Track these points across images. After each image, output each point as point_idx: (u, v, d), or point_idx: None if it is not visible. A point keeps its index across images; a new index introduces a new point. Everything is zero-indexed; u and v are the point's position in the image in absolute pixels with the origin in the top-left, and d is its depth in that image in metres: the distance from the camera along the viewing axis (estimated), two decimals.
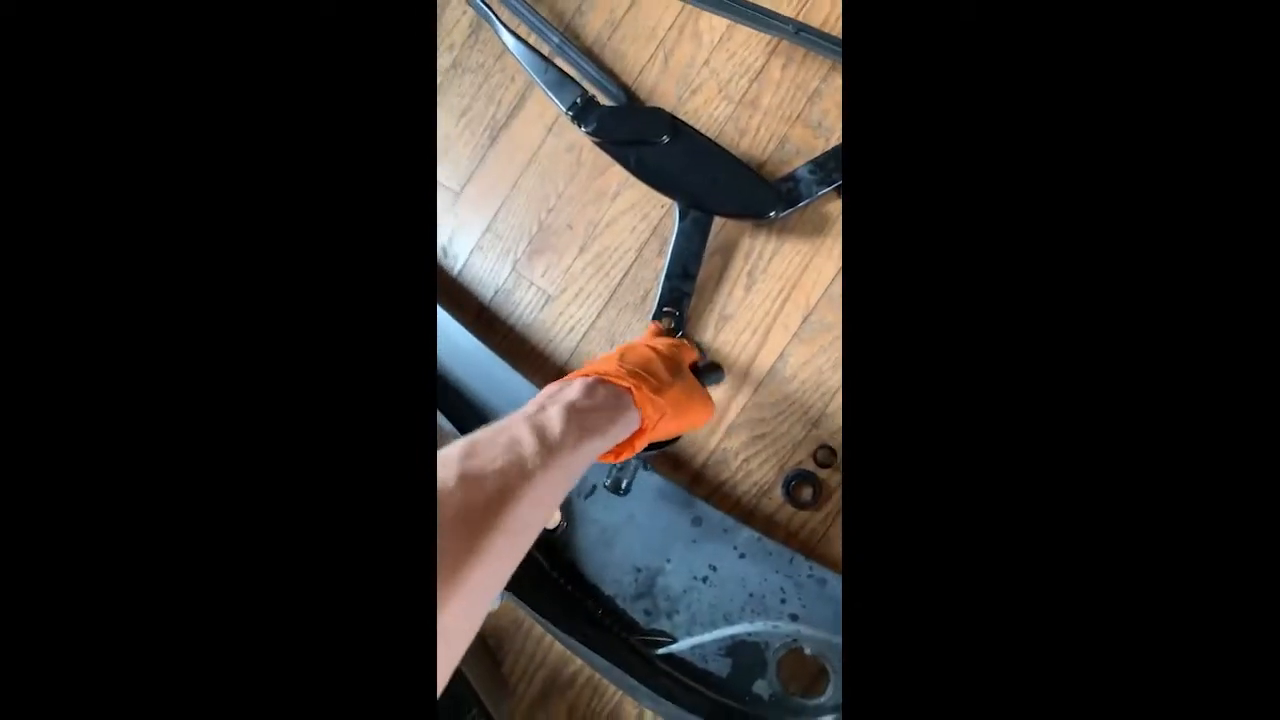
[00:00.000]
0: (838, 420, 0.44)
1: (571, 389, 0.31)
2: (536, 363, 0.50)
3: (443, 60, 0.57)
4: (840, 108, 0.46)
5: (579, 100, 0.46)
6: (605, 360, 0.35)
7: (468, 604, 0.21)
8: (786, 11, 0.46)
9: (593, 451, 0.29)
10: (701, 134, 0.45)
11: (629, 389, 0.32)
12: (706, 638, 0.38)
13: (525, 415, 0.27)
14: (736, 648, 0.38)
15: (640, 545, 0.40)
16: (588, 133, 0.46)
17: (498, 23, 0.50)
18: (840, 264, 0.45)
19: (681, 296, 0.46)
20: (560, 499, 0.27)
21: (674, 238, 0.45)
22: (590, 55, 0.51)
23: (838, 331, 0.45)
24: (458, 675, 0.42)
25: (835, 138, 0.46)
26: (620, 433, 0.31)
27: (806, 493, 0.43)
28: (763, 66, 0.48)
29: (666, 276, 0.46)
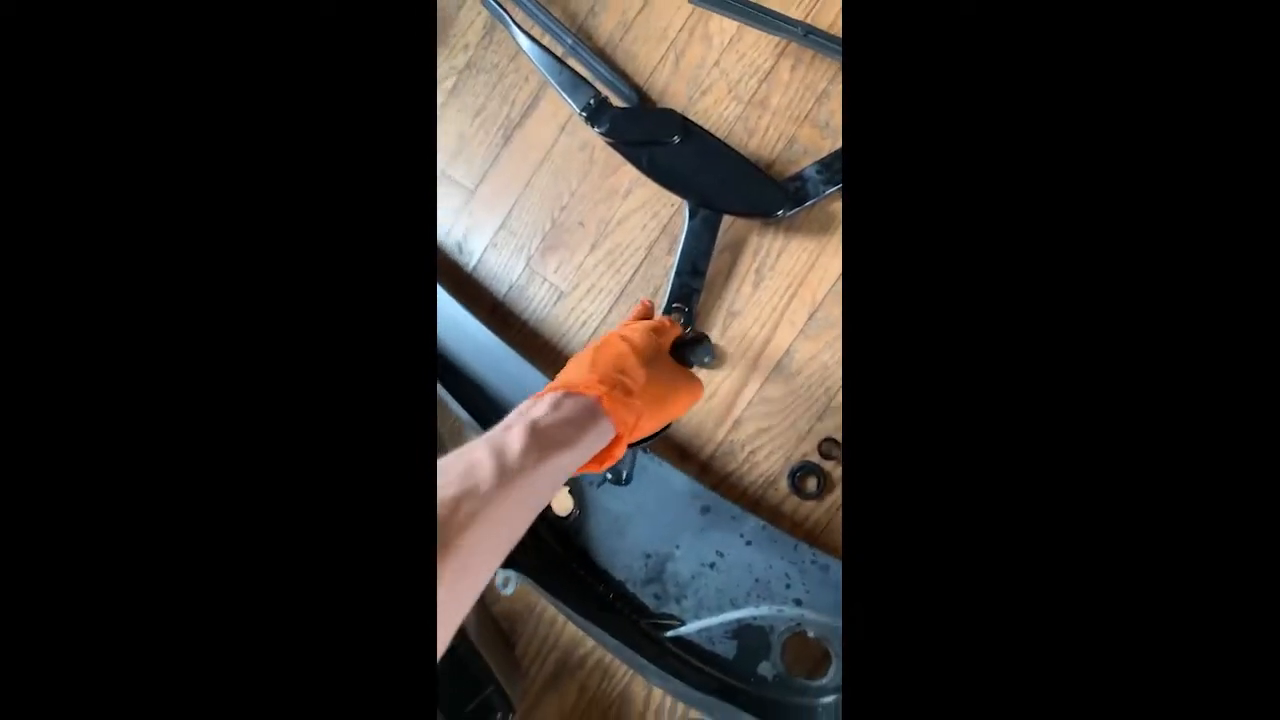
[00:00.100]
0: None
1: (538, 405, 0.30)
2: (550, 357, 0.52)
3: (457, 60, 0.58)
4: None
5: (592, 101, 0.47)
6: (576, 364, 0.35)
7: None
8: (795, 14, 0.47)
9: (561, 468, 0.28)
10: (711, 134, 0.46)
11: (598, 398, 0.31)
12: (713, 621, 0.40)
13: (488, 437, 0.28)
14: (742, 631, 0.40)
15: (650, 532, 0.42)
16: (601, 133, 0.47)
17: (512, 24, 0.51)
18: None
19: (691, 293, 0.47)
20: (529, 517, 0.27)
21: (684, 235, 0.47)
22: (603, 56, 0.52)
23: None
24: (475, 656, 0.44)
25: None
26: (594, 443, 0.30)
27: (811, 484, 0.45)
28: (772, 68, 0.49)
29: (676, 273, 0.47)
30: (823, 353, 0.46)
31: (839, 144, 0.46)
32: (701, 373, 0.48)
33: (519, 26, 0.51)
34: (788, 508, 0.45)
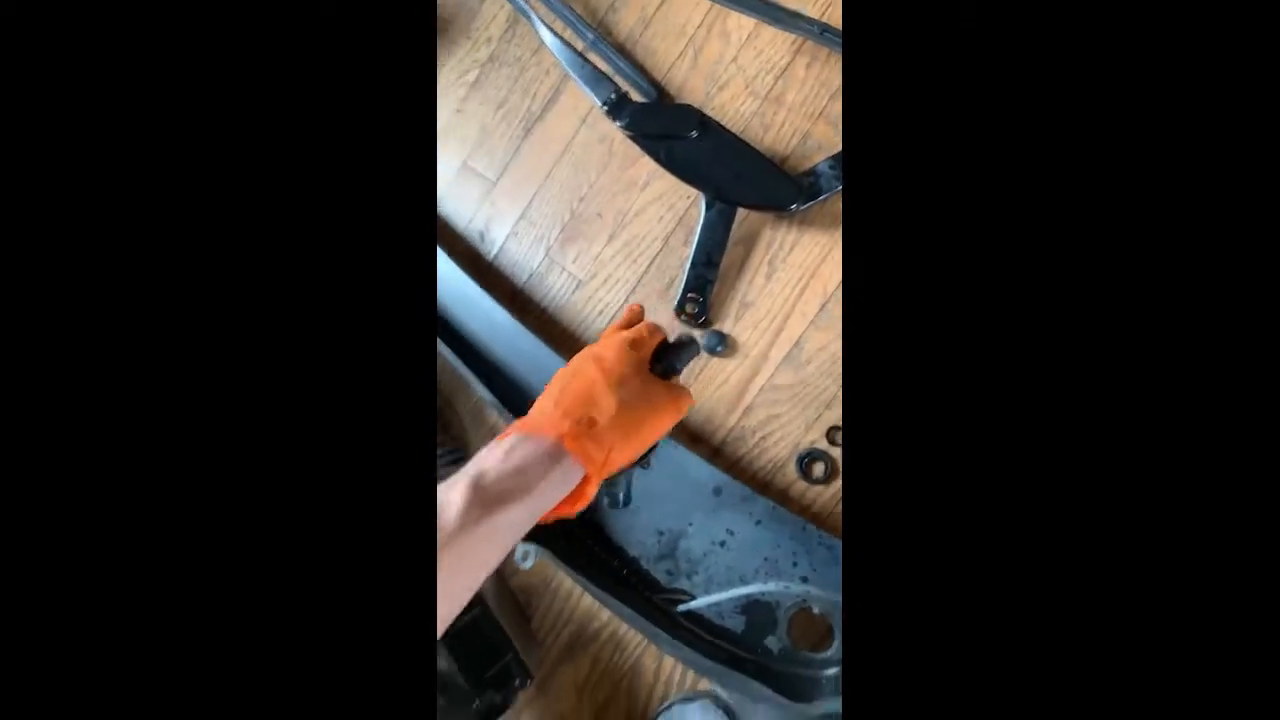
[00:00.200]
0: None
1: (492, 452, 0.29)
2: (567, 343, 0.54)
3: (480, 53, 0.59)
4: None
5: (613, 96, 0.49)
6: (544, 397, 0.33)
7: None
8: (811, 12, 0.48)
9: (511, 523, 0.27)
10: (728, 130, 0.48)
11: (559, 438, 0.29)
12: (723, 596, 0.42)
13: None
14: (750, 606, 0.42)
15: (664, 511, 0.44)
16: (621, 127, 0.48)
17: (536, 19, 0.53)
18: None
19: (705, 284, 0.49)
20: (471, 582, 0.26)
21: (699, 227, 0.48)
22: (623, 51, 0.54)
23: None
24: (495, 625, 0.46)
25: None
26: (556, 487, 0.29)
27: (819, 470, 0.46)
28: (788, 65, 0.50)
29: (691, 264, 0.49)
30: (832, 343, 0.48)
31: None
32: (714, 361, 0.50)
33: (542, 21, 0.52)
34: (795, 492, 0.47)
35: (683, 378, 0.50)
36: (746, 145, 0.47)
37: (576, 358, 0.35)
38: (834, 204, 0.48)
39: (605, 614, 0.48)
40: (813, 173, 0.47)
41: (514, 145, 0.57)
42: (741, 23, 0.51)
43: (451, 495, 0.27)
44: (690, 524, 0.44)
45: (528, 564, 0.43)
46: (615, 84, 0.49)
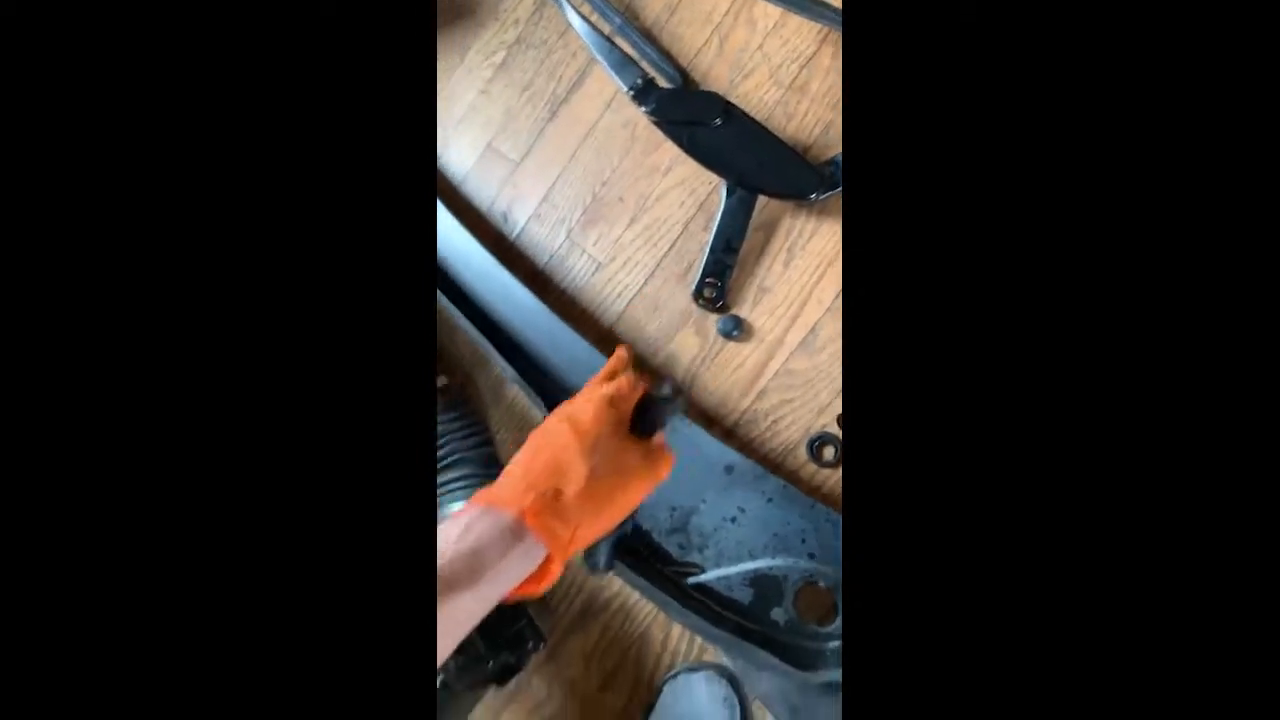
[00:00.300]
0: None
1: (449, 529, 0.27)
2: (586, 323, 0.55)
3: (508, 35, 0.60)
4: None
5: (639, 81, 0.49)
6: (513, 464, 0.31)
7: None
8: (837, 2, 0.49)
9: (461, 611, 0.25)
10: (751, 118, 0.48)
11: (520, 514, 0.28)
12: (732, 570, 0.43)
13: None
14: (759, 580, 0.44)
15: (677, 488, 0.46)
16: (647, 112, 0.49)
17: (563, 2, 0.53)
18: None
19: (724, 269, 0.50)
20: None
21: (720, 213, 0.49)
22: (649, 37, 0.54)
23: None
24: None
25: None
26: (516, 568, 0.27)
27: (828, 453, 0.48)
28: (813, 54, 0.51)
29: (711, 250, 0.50)
30: None
31: None
32: (730, 345, 0.51)
33: (569, 4, 0.53)
34: (805, 474, 0.48)
35: (699, 361, 0.51)
36: (769, 133, 0.48)
37: (553, 415, 0.34)
38: None
39: (617, 584, 0.50)
40: (834, 162, 0.47)
41: (538, 128, 0.58)
42: (768, 11, 0.52)
43: None
44: (703, 500, 0.45)
45: None
46: (641, 69, 0.50)
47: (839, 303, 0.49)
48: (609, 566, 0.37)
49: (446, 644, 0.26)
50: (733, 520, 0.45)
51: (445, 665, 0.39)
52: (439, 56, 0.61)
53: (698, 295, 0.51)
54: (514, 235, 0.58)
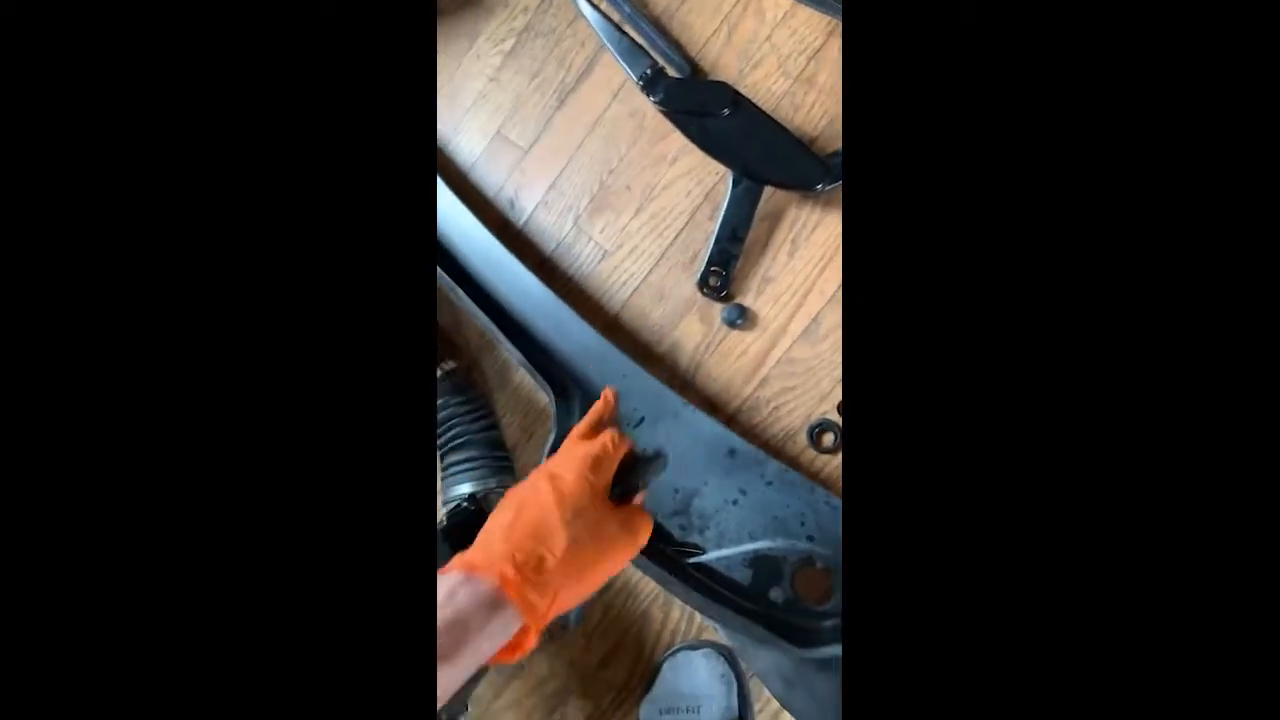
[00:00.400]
0: None
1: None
2: (591, 310, 0.56)
3: (517, 22, 0.60)
4: None
5: (649, 70, 0.50)
6: (494, 524, 0.31)
7: None
8: None
9: (444, 684, 0.25)
10: (760, 109, 0.49)
11: (500, 583, 0.28)
12: (732, 551, 0.44)
13: None
14: (758, 560, 0.45)
15: (680, 470, 0.47)
16: (655, 102, 0.50)
17: None
18: None
19: (729, 258, 0.50)
20: None
21: (726, 203, 0.50)
22: (658, 26, 0.55)
23: None
24: None
25: None
26: (495, 639, 0.27)
27: (828, 439, 0.49)
28: (821, 46, 0.51)
29: (716, 239, 0.50)
30: None
31: None
32: (733, 333, 0.52)
33: None
34: (804, 460, 0.50)
35: (702, 349, 0.52)
36: (777, 124, 0.49)
37: (534, 474, 0.34)
38: None
39: None
40: (839, 155, 0.48)
41: (547, 115, 0.58)
42: (777, 2, 0.52)
43: None
44: (705, 483, 0.47)
45: None
46: (651, 58, 0.51)
47: (841, 293, 0.50)
48: (579, 622, 0.38)
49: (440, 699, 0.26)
50: (734, 503, 0.46)
51: None
52: (448, 42, 0.62)
53: (703, 284, 0.52)
54: (521, 222, 0.59)
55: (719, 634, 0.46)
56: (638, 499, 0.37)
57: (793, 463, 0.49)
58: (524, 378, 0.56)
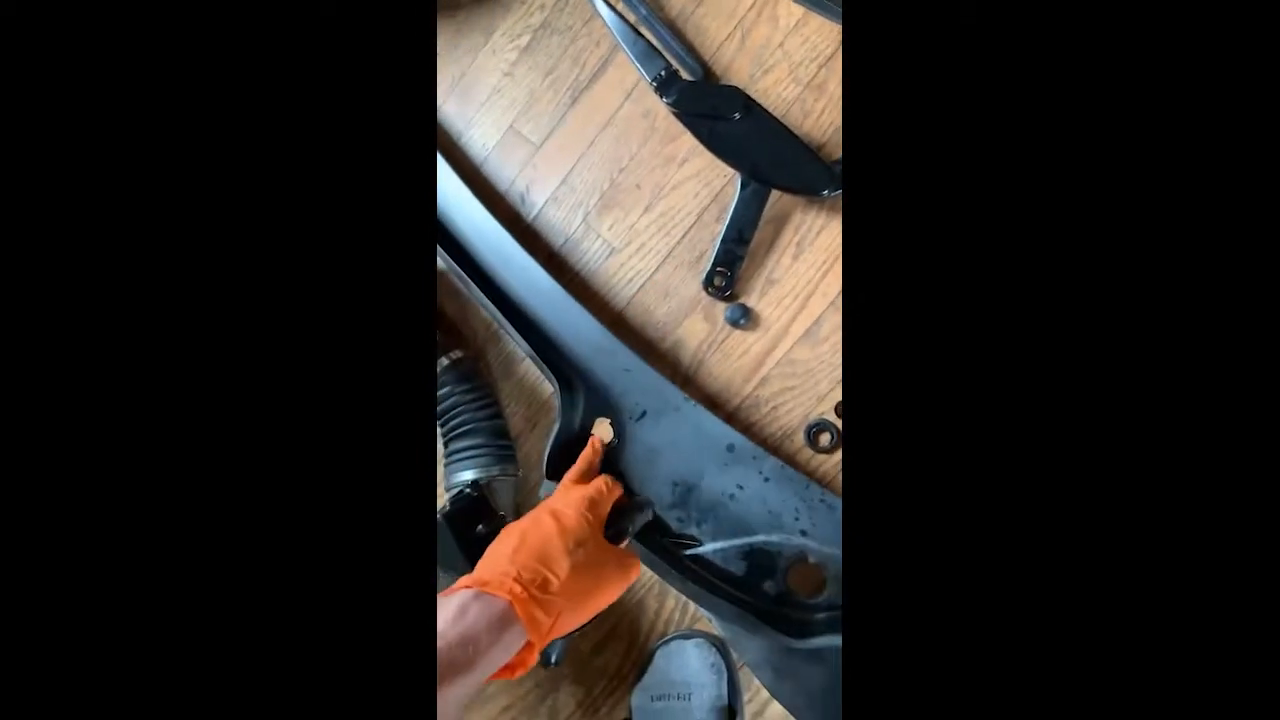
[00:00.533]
0: None
1: (443, 611, 0.28)
2: (598, 305, 0.57)
3: (534, 19, 0.61)
4: None
5: (663, 72, 0.51)
6: (501, 545, 0.33)
7: None
8: None
9: (453, 700, 0.26)
10: (770, 114, 0.50)
11: (510, 601, 0.29)
12: (728, 544, 0.46)
13: None
14: (753, 553, 0.46)
15: (679, 464, 0.48)
16: (668, 103, 0.51)
17: None
18: None
19: (735, 259, 0.52)
20: None
21: (733, 205, 0.51)
22: (673, 28, 0.56)
23: None
24: None
25: None
26: (502, 655, 0.29)
27: (825, 439, 0.50)
28: (833, 54, 0.52)
29: (723, 240, 0.52)
30: None
31: None
32: (736, 332, 0.53)
33: None
34: (801, 459, 0.51)
35: (705, 347, 0.53)
36: (786, 130, 0.50)
37: (535, 510, 0.36)
38: None
39: None
40: None
41: (560, 112, 0.59)
42: (791, 9, 0.53)
43: None
44: (703, 477, 0.48)
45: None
46: (665, 60, 0.52)
47: (841, 294, 0.51)
48: (559, 661, 0.40)
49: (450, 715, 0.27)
50: (731, 497, 0.47)
51: None
52: (464, 36, 0.62)
53: (708, 283, 0.53)
54: (531, 216, 0.60)
55: (712, 624, 0.47)
56: (625, 543, 0.40)
57: (789, 461, 0.50)
58: (529, 369, 0.57)
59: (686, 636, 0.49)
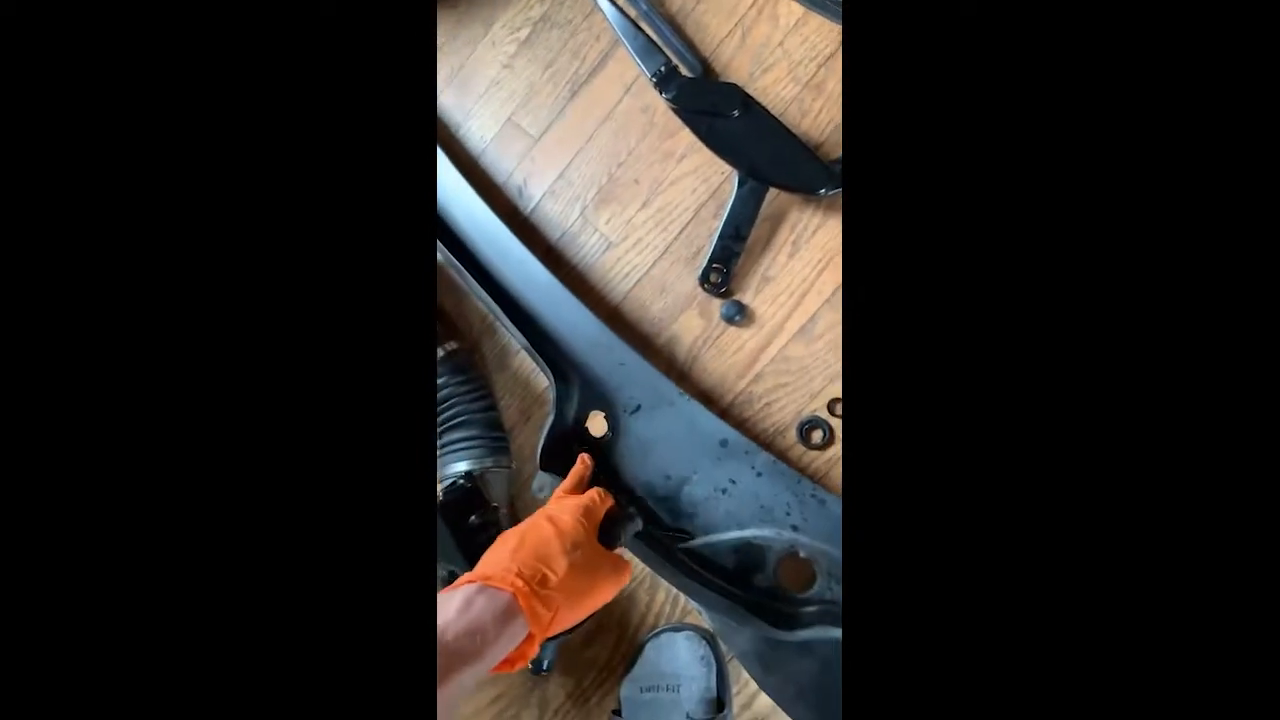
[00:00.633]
0: None
1: (449, 604, 0.29)
2: (594, 299, 0.57)
3: (534, 12, 0.61)
4: None
5: (663, 68, 0.51)
6: (501, 546, 0.34)
7: None
8: None
9: (461, 687, 0.27)
10: (769, 112, 0.50)
11: (513, 594, 0.31)
12: (719, 538, 0.46)
13: None
14: (743, 548, 0.47)
15: (672, 458, 0.48)
16: (667, 99, 0.51)
17: None
18: None
19: (731, 256, 0.52)
20: None
21: (731, 202, 0.51)
22: (673, 24, 0.56)
23: None
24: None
25: None
26: (504, 647, 0.30)
27: (817, 436, 0.51)
28: (832, 54, 0.53)
29: (720, 236, 0.52)
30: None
31: None
32: (731, 329, 0.54)
33: None
34: (793, 455, 0.51)
35: (700, 343, 0.54)
36: (784, 128, 0.50)
37: (532, 517, 0.38)
38: None
39: None
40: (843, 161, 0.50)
41: (559, 106, 0.59)
42: (791, 9, 0.53)
43: None
44: (696, 471, 0.48)
45: (544, 495, 0.47)
46: (665, 56, 0.52)
47: (838, 295, 0.52)
48: (550, 668, 0.42)
49: (453, 706, 0.28)
50: (723, 491, 0.48)
51: None
52: (464, 28, 0.62)
53: (704, 279, 0.53)
54: (528, 210, 0.60)
55: (702, 617, 0.47)
56: (617, 550, 0.42)
57: (782, 456, 0.51)
58: (524, 361, 0.58)
59: (676, 629, 0.50)
